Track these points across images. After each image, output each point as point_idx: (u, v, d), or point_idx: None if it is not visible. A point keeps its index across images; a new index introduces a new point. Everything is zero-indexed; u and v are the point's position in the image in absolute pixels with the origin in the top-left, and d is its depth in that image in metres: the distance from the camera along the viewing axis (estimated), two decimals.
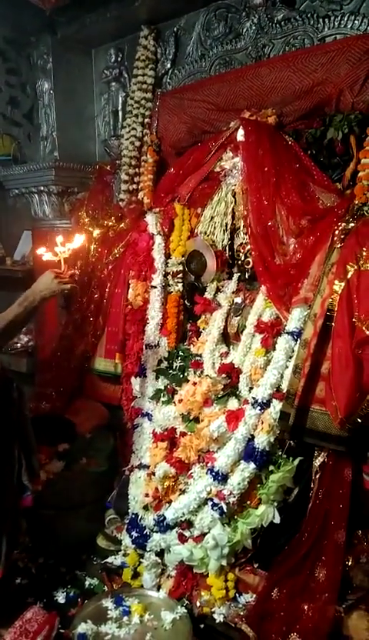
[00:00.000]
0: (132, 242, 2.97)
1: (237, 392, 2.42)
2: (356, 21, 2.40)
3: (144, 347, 2.84)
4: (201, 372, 2.59)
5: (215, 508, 2.17)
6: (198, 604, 2.13)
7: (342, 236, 2.09)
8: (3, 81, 3.75)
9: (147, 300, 2.88)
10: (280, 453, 2.18)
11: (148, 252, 2.91)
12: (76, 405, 3.08)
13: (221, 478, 2.19)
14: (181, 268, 2.88)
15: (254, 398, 2.24)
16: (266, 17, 2.69)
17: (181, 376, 2.66)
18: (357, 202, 2.18)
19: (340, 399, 1.91)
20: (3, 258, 3.92)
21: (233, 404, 2.39)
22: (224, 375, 2.46)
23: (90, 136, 3.82)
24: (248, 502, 2.18)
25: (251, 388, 2.35)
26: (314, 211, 2.34)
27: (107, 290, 3.01)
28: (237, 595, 2.14)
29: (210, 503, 2.19)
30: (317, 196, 2.40)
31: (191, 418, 2.44)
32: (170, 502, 2.33)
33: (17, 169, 3.68)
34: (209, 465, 2.25)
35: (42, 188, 3.58)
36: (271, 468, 2.15)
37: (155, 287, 2.86)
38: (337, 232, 2.12)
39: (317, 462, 2.09)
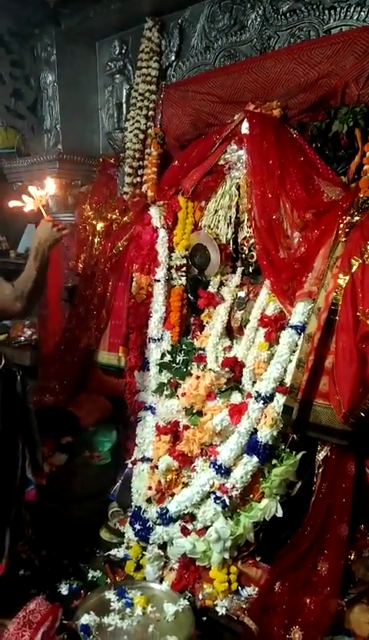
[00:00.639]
0: (136, 235, 2.96)
1: (241, 386, 2.43)
2: (362, 13, 2.38)
3: (147, 340, 2.85)
4: (205, 366, 2.59)
5: (218, 501, 2.17)
6: (201, 596, 2.14)
7: (347, 230, 2.08)
8: (7, 74, 3.75)
9: (151, 293, 2.87)
10: (283, 447, 2.19)
11: (152, 246, 2.90)
12: (79, 398, 3.08)
13: (224, 471, 2.20)
14: (184, 261, 2.88)
15: (257, 391, 2.24)
16: (271, 8, 2.68)
17: (185, 370, 2.66)
18: (362, 196, 2.17)
19: (344, 393, 1.91)
20: (7, 251, 3.91)
21: (236, 397, 2.39)
22: (227, 369, 2.45)
23: (94, 129, 3.81)
24: (251, 496, 2.19)
25: (255, 382, 2.35)
26: (318, 205, 2.33)
27: (110, 283, 3.00)
28: (239, 588, 2.14)
29: (213, 496, 2.20)
30: (322, 189, 2.39)
31: (194, 411, 2.45)
32: (173, 495, 2.33)
33: (20, 162, 3.68)
34: (212, 458, 2.26)
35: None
36: (274, 461, 2.15)
37: (159, 280, 2.86)
38: (341, 226, 2.11)
39: (320, 456, 2.09)
